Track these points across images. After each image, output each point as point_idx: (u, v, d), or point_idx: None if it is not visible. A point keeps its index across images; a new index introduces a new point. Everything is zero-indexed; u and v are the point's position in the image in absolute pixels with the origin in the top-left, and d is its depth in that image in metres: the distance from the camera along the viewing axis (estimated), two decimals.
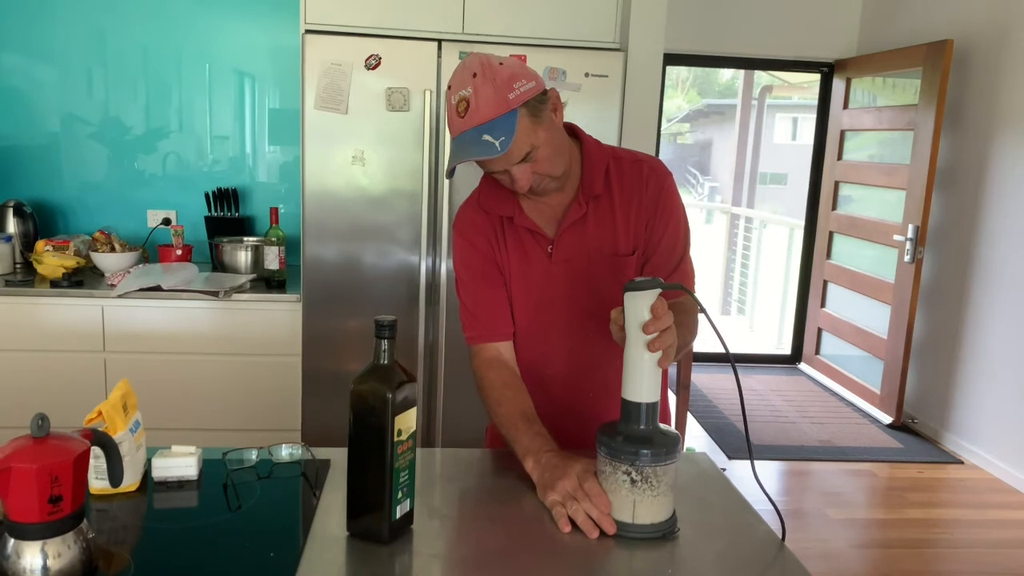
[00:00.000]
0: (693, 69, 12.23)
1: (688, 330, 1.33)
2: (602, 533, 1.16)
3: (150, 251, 3.17)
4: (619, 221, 1.43)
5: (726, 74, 14.46)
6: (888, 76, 4.57)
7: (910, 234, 4.19)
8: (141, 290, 2.76)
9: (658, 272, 1.41)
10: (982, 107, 3.96)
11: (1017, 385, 3.69)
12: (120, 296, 2.74)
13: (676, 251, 1.44)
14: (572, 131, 1.46)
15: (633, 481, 1.15)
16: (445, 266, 2.72)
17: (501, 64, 1.27)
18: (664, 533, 1.17)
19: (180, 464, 1.30)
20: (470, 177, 2.67)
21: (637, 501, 1.16)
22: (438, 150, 2.66)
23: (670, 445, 1.20)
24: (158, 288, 2.76)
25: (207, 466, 1.34)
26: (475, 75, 1.25)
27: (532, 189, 1.36)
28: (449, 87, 1.30)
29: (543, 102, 1.29)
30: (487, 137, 1.24)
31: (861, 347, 4.73)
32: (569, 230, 1.43)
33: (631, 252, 1.43)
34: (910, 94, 4.30)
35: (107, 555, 1.06)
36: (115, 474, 1.07)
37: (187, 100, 3.32)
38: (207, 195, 3.26)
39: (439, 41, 2.63)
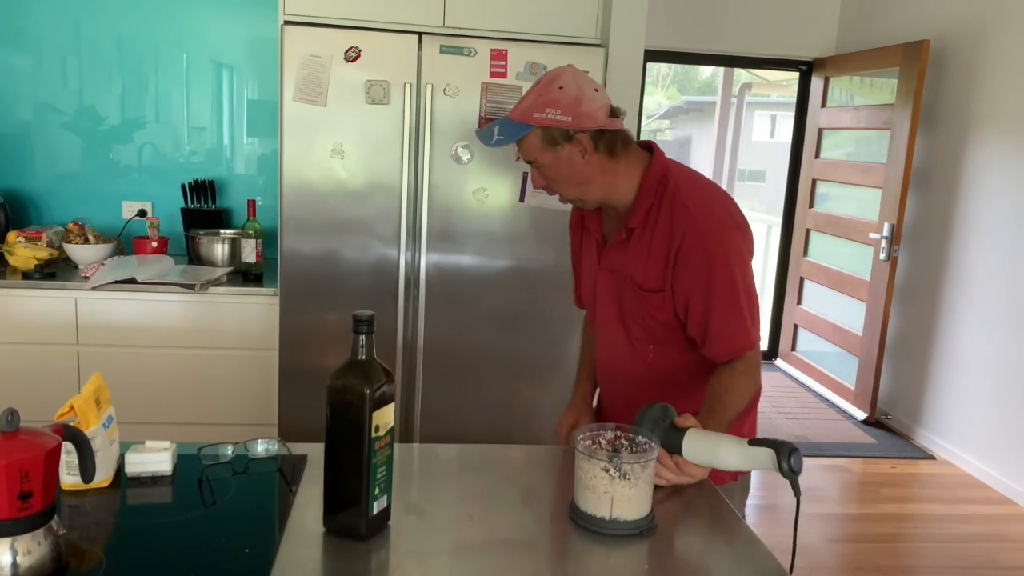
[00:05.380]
0: (673, 66, 12.28)
1: (743, 394, 1.46)
2: (580, 528, 1.17)
3: (125, 243, 3.12)
4: (652, 257, 1.48)
5: (706, 71, 14.51)
6: (865, 75, 4.61)
7: (885, 232, 4.24)
8: (116, 282, 2.72)
9: (688, 327, 1.49)
10: (957, 108, 4.01)
11: (988, 382, 3.74)
12: (94, 288, 2.71)
13: (698, 309, 1.45)
14: (649, 151, 1.54)
15: (611, 477, 1.16)
16: (424, 261, 2.71)
17: (560, 88, 1.41)
18: (642, 530, 1.18)
19: (154, 459, 1.28)
20: (449, 172, 2.67)
21: (615, 498, 1.16)
22: (418, 144, 2.65)
23: (647, 443, 1.21)
24: (133, 280, 2.73)
25: (182, 461, 1.33)
26: (539, 82, 1.44)
27: (560, 196, 1.53)
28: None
29: (562, 139, 1.43)
30: (496, 129, 1.45)
31: (837, 344, 4.78)
32: (615, 247, 1.55)
33: (656, 289, 1.49)
34: (887, 93, 4.34)
35: (78, 552, 1.05)
36: (87, 470, 1.06)
37: (164, 91, 3.27)
38: (183, 187, 3.23)
39: (420, 34, 2.62)
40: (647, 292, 1.49)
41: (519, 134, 1.43)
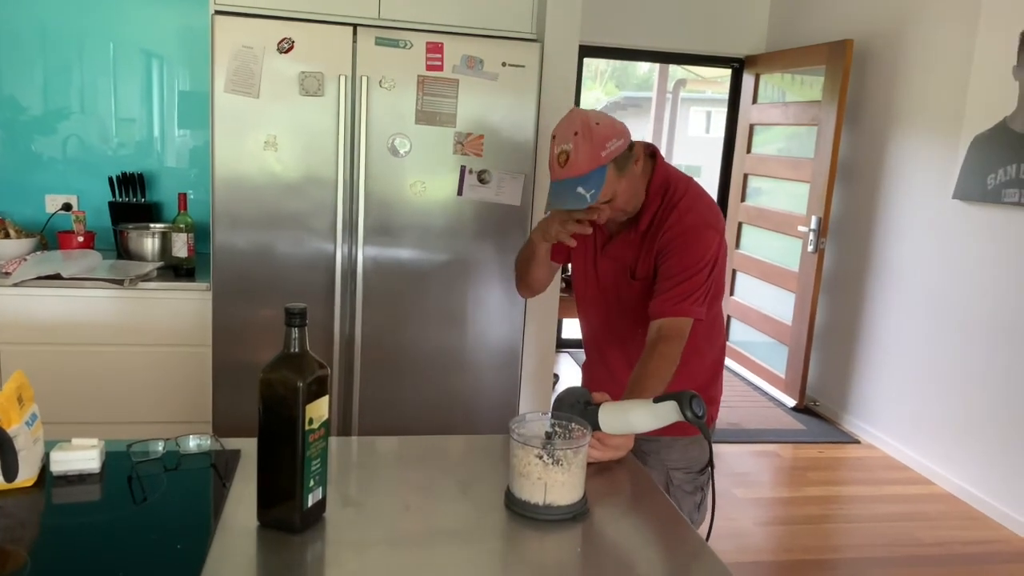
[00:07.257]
0: (612, 62, 12.38)
1: (663, 376, 1.50)
2: (515, 515, 1.19)
3: (49, 238, 3.02)
4: (651, 253, 1.63)
5: (643, 67, 14.70)
6: (794, 73, 4.75)
7: (813, 225, 4.38)
8: (39, 278, 2.63)
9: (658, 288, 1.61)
10: (879, 105, 4.16)
11: (909, 368, 3.91)
12: (16, 285, 2.61)
13: (674, 277, 1.59)
14: (653, 155, 1.68)
15: (545, 464, 1.18)
16: (361, 255, 2.69)
17: (597, 124, 1.51)
18: (575, 514, 1.20)
19: (81, 457, 1.26)
20: (385, 164, 2.66)
21: (549, 484, 1.18)
22: (353, 136, 2.63)
23: (580, 429, 1.23)
24: (58, 276, 2.64)
25: (111, 459, 1.30)
26: (576, 133, 1.49)
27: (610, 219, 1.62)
28: (553, 137, 1.55)
29: (628, 157, 1.55)
30: (580, 190, 1.48)
31: (768, 334, 4.92)
32: (621, 242, 1.69)
33: (644, 277, 1.65)
34: (815, 90, 4.48)
35: (2, 553, 1.02)
36: (9, 469, 1.03)
37: (89, 80, 3.17)
38: (111, 180, 3.13)
39: (354, 26, 2.59)
40: (637, 280, 1.66)
41: (602, 177, 1.50)
